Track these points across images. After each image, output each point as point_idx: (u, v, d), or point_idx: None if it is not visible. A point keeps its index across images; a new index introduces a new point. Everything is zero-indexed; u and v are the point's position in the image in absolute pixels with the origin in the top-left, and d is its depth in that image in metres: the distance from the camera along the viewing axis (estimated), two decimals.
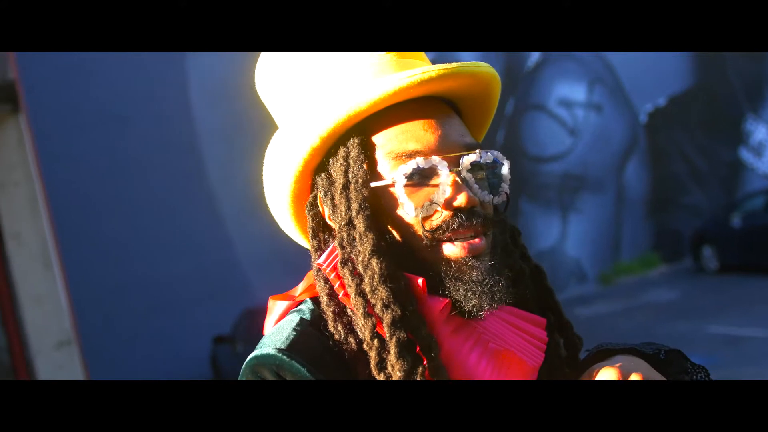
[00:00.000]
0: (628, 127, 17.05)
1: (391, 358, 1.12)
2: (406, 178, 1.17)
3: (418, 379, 1.11)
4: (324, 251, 1.25)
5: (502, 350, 1.22)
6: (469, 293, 1.17)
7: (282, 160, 1.26)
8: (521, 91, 15.70)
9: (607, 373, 1.19)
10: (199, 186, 10.22)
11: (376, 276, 1.14)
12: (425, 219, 1.18)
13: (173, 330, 9.62)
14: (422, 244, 1.18)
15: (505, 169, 1.24)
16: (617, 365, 1.21)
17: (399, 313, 1.13)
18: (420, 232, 1.18)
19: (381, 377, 1.12)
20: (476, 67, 1.25)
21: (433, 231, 1.17)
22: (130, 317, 9.42)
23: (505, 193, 1.24)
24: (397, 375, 1.11)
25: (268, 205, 1.34)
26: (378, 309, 1.13)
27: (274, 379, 1.13)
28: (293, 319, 1.22)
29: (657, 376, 1.22)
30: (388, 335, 1.12)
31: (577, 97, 16.31)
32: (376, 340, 1.13)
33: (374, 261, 1.15)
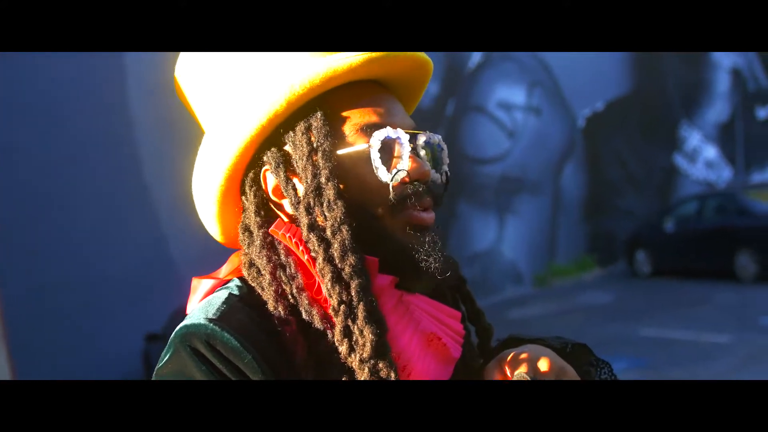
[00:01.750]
0: (566, 130, 17.21)
1: (360, 322, 1.13)
2: (381, 143, 1.21)
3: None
4: (270, 226, 1.25)
5: (429, 333, 1.25)
6: (430, 258, 1.20)
7: (230, 132, 1.24)
8: (462, 93, 15.74)
9: (516, 358, 1.25)
10: (134, 183, 10.08)
11: (346, 242, 1.16)
12: (393, 186, 1.21)
13: (106, 328, 9.47)
14: (387, 211, 1.21)
15: (446, 152, 1.31)
16: (526, 350, 1.26)
17: (364, 280, 1.15)
18: (386, 198, 1.21)
19: (344, 344, 1.13)
20: (425, 56, 1.32)
21: (399, 198, 1.21)
22: (61, 315, 9.25)
23: (446, 173, 1.31)
24: (368, 339, 1.12)
25: (194, 191, 1.31)
26: (347, 273, 1.15)
27: (205, 349, 1.12)
28: (221, 294, 1.21)
29: (562, 362, 1.27)
30: (356, 300, 1.14)
31: (517, 100, 16.40)
32: (343, 306, 1.14)
33: (344, 228, 1.17)
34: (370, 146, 1.21)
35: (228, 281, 1.26)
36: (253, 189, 1.27)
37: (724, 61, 20.06)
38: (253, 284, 1.22)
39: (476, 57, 15.93)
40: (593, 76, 17.43)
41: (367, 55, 1.21)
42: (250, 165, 1.27)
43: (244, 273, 1.24)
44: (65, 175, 9.64)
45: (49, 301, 9.18)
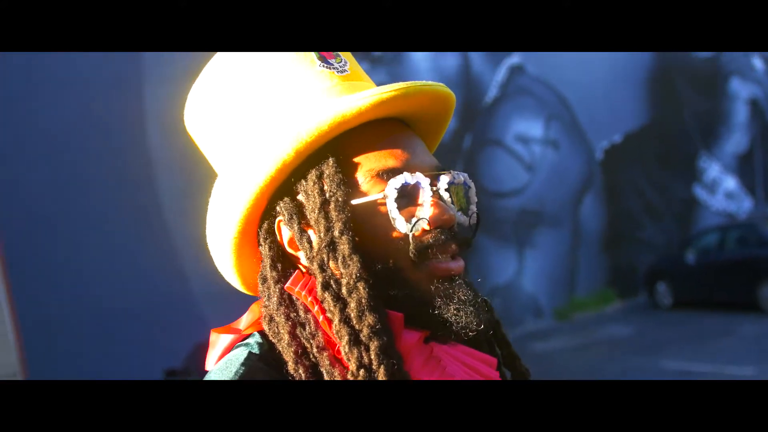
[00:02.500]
0: (585, 163, 17.19)
1: None
2: (397, 191, 1.13)
3: None
4: (286, 281, 1.18)
5: None
6: (461, 312, 1.13)
7: (240, 181, 1.17)
8: (479, 127, 15.78)
9: None
10: (153, 218, 10.12)
11: (363, 300, 1.09)
12: (413, 237, 1.14)
13: (124, 364, 9.48)
14: (408, 264, 1.14)
15: (473, 191, 1.24)
16: None
17: (385, 341, 1.09)
18: (407, 249, 1.14)
19: None
20: (443, 88, 1.24)
21: (420, 248, 1.14)
22: (80, 350, 9.27)
23: (476, 214, 1.23)
24: None
25: (209, 242, 1.27)
26: (365, 335, 1.08)
27: None
28: (241, 353, 1.15)
29: None
30: (375, 364, 1.07)
31: (534, 133, 16.43)
32: (362, 371, 1.08)
33: (361, 285, 1.10)
34: (385, 196, 1.14)
35: (248, 336, 1.21)
36: (268, 241, 1.21)
37: (742, 91, 20.03)
38: (273, 340, 1.16)
39: (493, 91, 15.98)
40: (610, 108, 17.43)
41: (378, 96, 1.13)
42: (265, 215, 1.21)
43: (265, 327, 1.18)
44: (84, 212, 9.69)
45: (66, 337, 9.20)
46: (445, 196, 1.17)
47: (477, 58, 15.77)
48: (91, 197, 9.76)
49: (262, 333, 1.19)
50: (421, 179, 1.14)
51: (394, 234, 1.14)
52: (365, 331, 1.08)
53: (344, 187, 1.14)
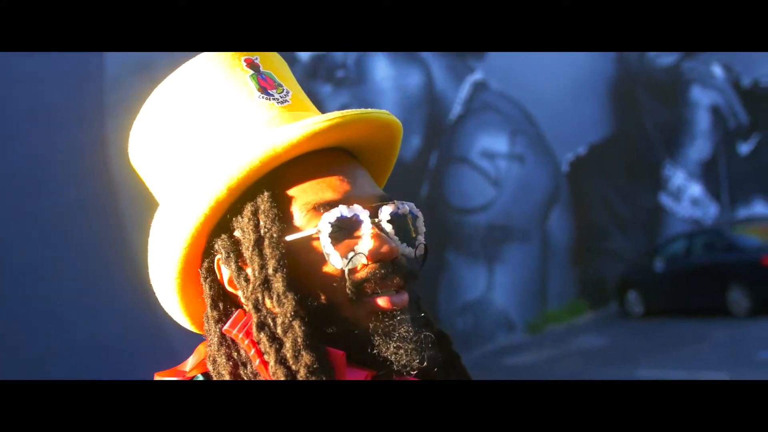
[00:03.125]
0: (551, 176, 17.30)
1: None
2: (331, 226, 1.08)
3: None
4: (227, 321, 1.13)
5: None
6: (401, 351, 1.08)
7: (176, 221, 1.14)
8: (444, 144, 15.85)
9: None
10: (120, 250, 10.04)
11: (299, 339, 1.05)
12: (350, 272, 1.09)
13: None
14: (345, 300, 1.09)
15: (421, 221, 1.19)
16: None
17: (324, 381, 1.05)
18: (344, 286, 1.09)
19: None
20: (387, 115, 1.19)
21: (358, 284, 1.09)
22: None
23: (423, 245, 1.19)
24: None
25: (151, 280, 1.21)
26: (301, 376, 1.04)
27: None
28: None
29: None
30: None
31: (500, 149, 16.52)
32: None
33: (296, 323, 1.05)
34: (318, 231, 1.09)
35: (191, 378, 1.17)
36: (208, 280, 1.16)
37: (703, 99, 20.26)
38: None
39: (457, 108, 16.07)
40: (574, 120, 17.56)
41: (311, 127, 1.09)
42: (206, 252, 1.16)
43: (209, 368, 1.14)
44: (51, 245, 9.59)
45: (37, 371, 9.09)
46: (388, 227, 1.12)
47: (440, 75, 15.86)
48: (53, 226, 9.67)
49: (206, 374, 1.15)
50: (360, 212, 1.10)
51: (330, 270, 1.10)
52: (302, 371, 1.04)
53: (279, 222, 1.10)
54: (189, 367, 1.20)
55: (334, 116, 1.11)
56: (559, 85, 17.21)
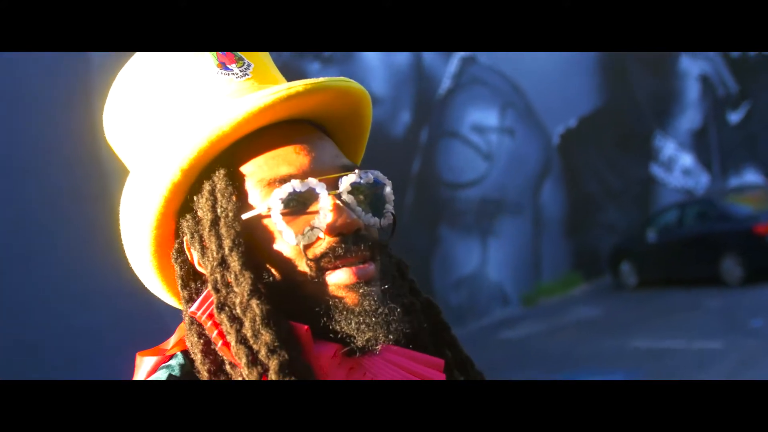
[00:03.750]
0: (542, 149, 17.33)
1: None
2: (282, 203, 1.05)
3: None
4: (196, 300, 1.12)
5: None
6: (362, 325, 1.06)
7: (139, 204, 1.13)
8: (434, 119, 15.83)
9: None
10: (111, 235, 9.98)
11: (257, 318, 1.03)
12: (307, 247, 1.06)
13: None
14: (306, 276, 1.07)
15: (388, 189, 1.14)
16: None
17: (286, 357, 1.02)
18: (303, 262, 1.06)
19: None
20: (346, 83, 1.16)
21: (317, 259, 1.06)
22: (44, 372, 9.16)
23: (391, 214, 1.15)
24: None
25: (129, 261, 1.21)
26: (263, 354, 1.02)
27: None
28: (161, 376, 1.12)
29: None
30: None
31: (490, 123, 16.52)
32: None
33: (254, 302, 1.04)
34: (269, 208, 1.06)
35: (172, 357, 1.16)
36: (179, 261, 1.15)
37: (692, 68, 20.29)
38: (193, 359, 1.11)
39: (446, 83, 16.04)
40: (564, 93, 17.56)
41: (256, 103, 1.07)
42: (176, 233, 1.16)
43: (188, 345, 1.13)
44: (37, 231, 9.57)
45: (31, 360, 9.09)
46: (349, 198, 1.09)
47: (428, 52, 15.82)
48: (42, 213, 9.65)
49: (185, 352, 1.14)
50: (315, 185, 1.07)
51: (287, 247, 1.07)
52: (262, 350, 1.02)
53: (235, 200, 1.09)
54: (171, 345, 1.19)
55: (279, 89, 1.08)
56: (548, 58, 17.18)
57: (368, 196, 1.12)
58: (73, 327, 9.57)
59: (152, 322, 9.94)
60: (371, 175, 1.12)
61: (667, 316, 12.45)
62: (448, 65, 16.16)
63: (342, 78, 1.16)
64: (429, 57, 15.91)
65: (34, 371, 9.11)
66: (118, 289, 10.18)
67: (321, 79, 1.12)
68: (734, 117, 20.76)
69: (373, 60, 15.12)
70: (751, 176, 20.19)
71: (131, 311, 10.01)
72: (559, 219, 17.28)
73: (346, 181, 1.09)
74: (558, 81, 17.43)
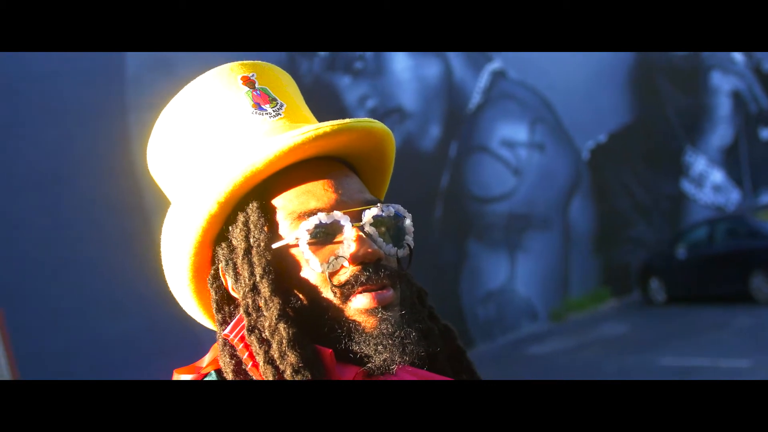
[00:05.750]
0: (571, 164, 17.26)
1: None
2: (309, 234, 1.15)
3: None
4: (230, 323, 1.21)
5: None
6: (380, 347, 1.14)
7: (179, 233, 1.23)
8: (464, 134, 15.84)
9: None
10: (145, 244, 10.11)
11: (284, 341, 1.12)
12: (332, 275, 1.16)
13: None
14: (330, 302, 1.16)
15: (408, 222, 1.24)
16: None
17: (310, 377, 1.11)
18: (327, 288, 1.16)
19: None
20: (369, 123, 1.25)
21: (341, 286, 1.15)
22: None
23: (408, 245, 1.24)
24: None
25: (169, 285, 1.31)
26: (288, 374, 1.11)
27: None
28: None
29: None
30: None
31: (520, 137, 16.49)
32: None
33: (281, 326, 1.13)
34: (297, 238, 1.16)
35: (206, 375, 1.24)
36: (214, 286, 1.25)
37: (724, 84, 20.13)
38: (226, 378, 1.19)
39: (476, 97, 16.05)
40: (593, 108, 17.50)
41: (289, 142, 1.17)
42: (213, 260, 1.26)
43: (221, 365, 1.21)
44: (77, 241, 9.68)
45: (62, 368, 9.19)
46: (371, 230, 1.18)
47: (458, 65, 15.83)
48: (77, 224, 9.76)
49: (218, 371, 1.22)
50: (340, 217, 1.16)
51: (314, 274, 1.16)
52: (288, 370, 1.11)
53: (267, 231, 1.18)
54: (205, 363, 1.27)
55: (309, 129, 1.18)
56: (577, 73, 17.16)
57: (390, 228, 1.22)
58: (107, 335, 9.67)
59: (185, 332, 10.04)
60: (392, 209, 1.22)
61: (694, 334, 12.35)
62: (478, 80, 16.16)
63: (367, 119, 1.25)
64: (459, 71, 15.91)
65: (67, 378, 9.22)
66: (152, 298, 10.29)
67: (347, 120, 1.21)
68: (766, 133, 20.58)
69: (403, 73, 15.16)
70: None
71: (164, 320, 10.12)
72: (588, 234, 17.21)
73: (369, 214, 1.19)
74: (588, 96, 17.39)
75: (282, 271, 1.17)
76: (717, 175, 19.47)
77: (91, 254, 9.82)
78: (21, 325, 8.99)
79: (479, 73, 16.17)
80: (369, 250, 1.16)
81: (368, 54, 14.76)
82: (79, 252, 9.74)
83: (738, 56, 20.44)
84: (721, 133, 19.84)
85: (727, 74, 20.23)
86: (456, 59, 15.84)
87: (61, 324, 9.41)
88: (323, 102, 14.04)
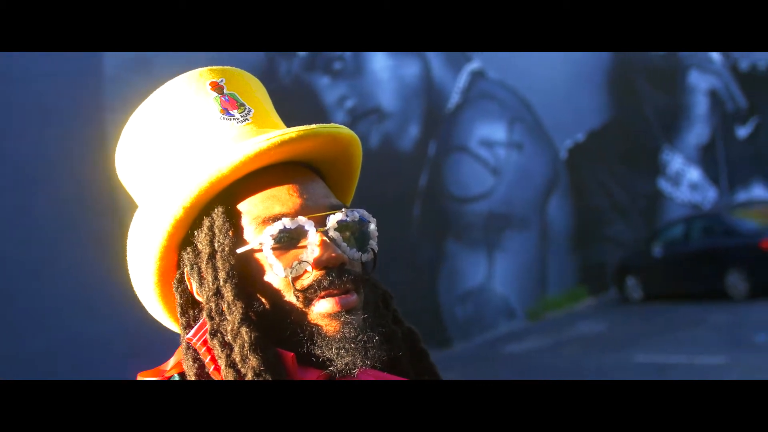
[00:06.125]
0: (549, 163, 17.33)
1: None
2: (273, 239, 1.16)
3: None
4: (194, 327, 1.22)
5: None
6: (342, 350, 1.15)
7: (145, 237, 1.23)
8: (443, 134, 15.88)
9: None
10: (120, 246, 10.07)
11: (246, 345, 1.12)
12: (295, 279, 1.16)
13: None
14: (293, 306, 1.17)
15: (372, 227, 1.25)
16: None
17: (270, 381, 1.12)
18: (290, 293, 1.16)
19: None
20: (335, 129, 1.26)
21: (304, 290, 1.16)
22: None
23: (373, 250, 1.25)
24: None
25: (134, 288, 1.32)
26: (249, 378, 1.11)
27: None
28: None
29: None
30: None
31: (498, 137, 16.54)
32: None
33: (244, 329, 1.13)
34: (261, 243, 1.16)
35: (169, 378, 1.24)
36: (179, 290, 1.25)
37: (701, 84, 20.26)
38: None
39: (455, 97, 16.10)
40: (572, 107, 17.60)
41: (254, 148, 1.17)
42: (178, 264, 1.26)
43: (184, 368, 1.21)
44: (51, 243, 9.66)
45: (40, 370, 9.17)
46: (335, 235, 1.19)
47: (437, 65, 15.87)
48: (52, 223, 9.74)
49: (182, 374, 1.22)
50: (304, 222, 1.17)
51: (277, 279, 1.17)
52: (249, 374, 1.11)
53: (231, 236, 1.18)
54: (169, 367, 1.27)
55: (274, 135, 1.19)
56: (556, 73, 17.23)
57: (354, 232, 1.22)
58: (81, 336, 9.66)
59: (155, 333, 10.06)
60: (357, 214, 1.23)
61: (671, 331, 12.45)
62: (457, 80, 16.21)
63: (333, 125, 1.26)
64: (438, 71, 15.96)
65: (45, 379, 9.21)
66: (125, 300, 10.30)
67: (313, 126, 1.22)
68: (742, 132, 20.73)
69: (382, 73, 15.18)
70: (758, 191, 20.16)
71: (137, 322, 10.11)
72: (565, 233, 17.28)
73: (333, 219, 1.19)
74: (567, 96, 17.47)
75: (246, 275, 1.18)
76: (694, 174, 19.59)
77: (64, 255, 9.81)
78: None
79: (458, 73, 16.22)
80: (333, 254, 1.17)
81: (347, 54, 14.76)
82: (53, 253, 9.72)
83: (715, 55, 20.57)
84: (698, 132, 19.97)
85: (705, 73, 20.37)
86: (435, 59, 15.88)
87: (35, 324, 9.39)
88: (302, 102, 14.04)
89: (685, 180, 19.44)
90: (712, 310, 13.33)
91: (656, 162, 19.14)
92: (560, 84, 17.37)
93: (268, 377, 1.11)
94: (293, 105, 13.97)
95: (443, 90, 16.06)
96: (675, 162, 19.37)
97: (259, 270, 1.18)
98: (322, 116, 14.13)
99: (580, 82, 17.89)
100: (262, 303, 1.17)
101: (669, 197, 19.10)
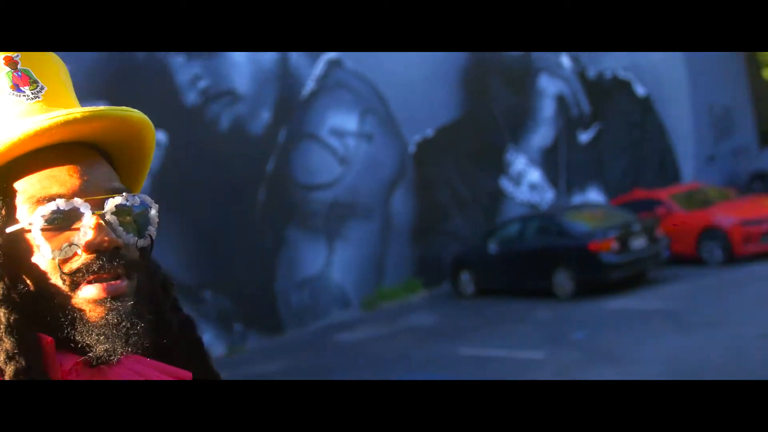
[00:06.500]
0: (397, 156, 17.54)
1: None
2: (44, 220, 1.12)
3: None
4: None
5: None
6: (102, 337, 1.13)
7: None
8: (294, 120, 15.89)
9: None
10: None
11: (2, 326, 1.10)
12: (63, 262, 1.13)
13: None
14: (59, 289, 1.13)
15: (153, 212, 1.23)
16: None
17: (24, 365, 1.08)
18: (57, 275, 1.13)
19: None
20: (125, 111, 1.23)
21: (72, 274, 1.13)
22: None
23: (150, 236, 1.23)
24: None
25: None
26: (1, 360, 1.08)
27: None
28: None
29: None
30: None
31: (349, 127, 16.65)
32: None
33: (2, 311, 1.10)
34: (30, 223, 1.13)
35: None
36: None
37: (550, 87, 20.74)
38: None
39: (310, 85, 16.13)
40: (426, 104, 17.86)
41: (33, 127, 1.15)
42: None
43: None
44: None
45: None
46: (112, 219, 1.16)
47: (295, 51, 15.85)
48: None
49: None
50: (80, 204, 1.14)
51: (44, 260, 1.14)
52: (1, 356, 1.09)
53: (3, 215, 1.15)
54: None
55: (58, 114, 1.16)
56: (413, 68, 17.41)
57: (134, 217, 1.21)
58: None
59: None
60: (138, 199, 1.21)
61: (496, 326, 12.86)
62: (313, 67, 16.25)
63: (124, 108, 1.24)
64: (295, 58, 15.95)
65: None
66: None
67: (101, 107, 1.21)
68: (584, 137, 21.34)
69: (238, 57, 15.09)
70: (594, 195, 20.87)
71: None
72: (407, 226, 17.49)
73: (112, 203, 1.17)
74: (421, 92, 17.68)
75: (13, 255, 1.14)
76: (535, 174, 20.04)
77: None
78: None
79: (315, 61, 16.26)
80: (105, 238, 1.14)
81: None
82: None
83: (566, 61, 21.12)
84: (542, 134, 20.44)
85: (554, 78, 20.88)
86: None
87: None
88: (153, 80, 13.85)
89: (526, 180, 19.82)
90: (538, 308, 13.78)
91: (501, 161, 19.53)
92: (416, 79, 17.56)
93: (22, 361, 1.08)
94: (144, 83, 13.73)
95: (299, 77, 16.07)
96: (518, 162, 19.76)
97: (28, 251, 1.15)
98: (172, 95, 13.97)
99: (435, 78, 18.09)
100: (27, 284, 1.14)
101: (509, 196, 19.51)
